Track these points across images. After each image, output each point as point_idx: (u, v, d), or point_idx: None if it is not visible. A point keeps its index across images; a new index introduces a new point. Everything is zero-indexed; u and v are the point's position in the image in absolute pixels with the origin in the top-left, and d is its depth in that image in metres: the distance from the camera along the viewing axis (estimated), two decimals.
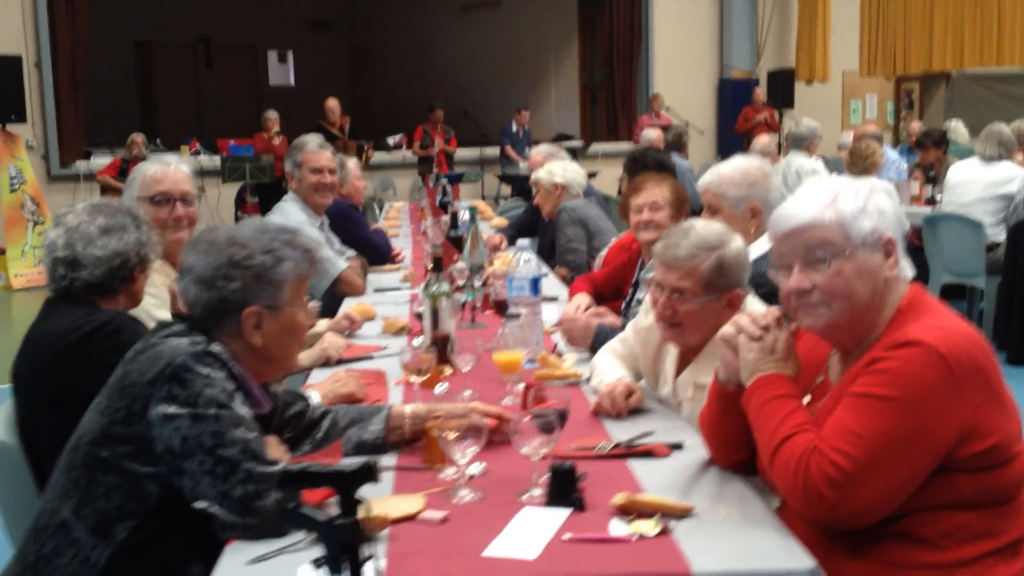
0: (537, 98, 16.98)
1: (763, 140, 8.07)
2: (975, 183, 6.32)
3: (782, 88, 14.97)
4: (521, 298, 2.70)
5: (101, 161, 11.15)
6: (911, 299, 1.82)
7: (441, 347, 2.55)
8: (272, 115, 11.15)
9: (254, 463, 1.65)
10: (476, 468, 1.94)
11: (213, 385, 1.68)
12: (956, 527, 1.71)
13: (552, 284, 4.24)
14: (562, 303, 3.70)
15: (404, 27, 19.33)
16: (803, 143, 7.52)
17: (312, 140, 4.17)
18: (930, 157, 7.66)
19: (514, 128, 13.68)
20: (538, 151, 5.75)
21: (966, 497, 1.71)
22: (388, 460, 2.03)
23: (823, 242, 1.79)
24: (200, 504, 1.62)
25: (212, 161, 11.48)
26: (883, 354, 1.71)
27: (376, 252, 4.63)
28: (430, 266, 3.16)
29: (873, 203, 1.83)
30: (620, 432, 2.19)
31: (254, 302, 1.79)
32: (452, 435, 1.82)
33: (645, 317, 2.50)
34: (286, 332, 1.84)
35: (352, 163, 4.96)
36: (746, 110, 14.25)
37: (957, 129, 9.32)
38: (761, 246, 2.90)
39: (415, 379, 2.31)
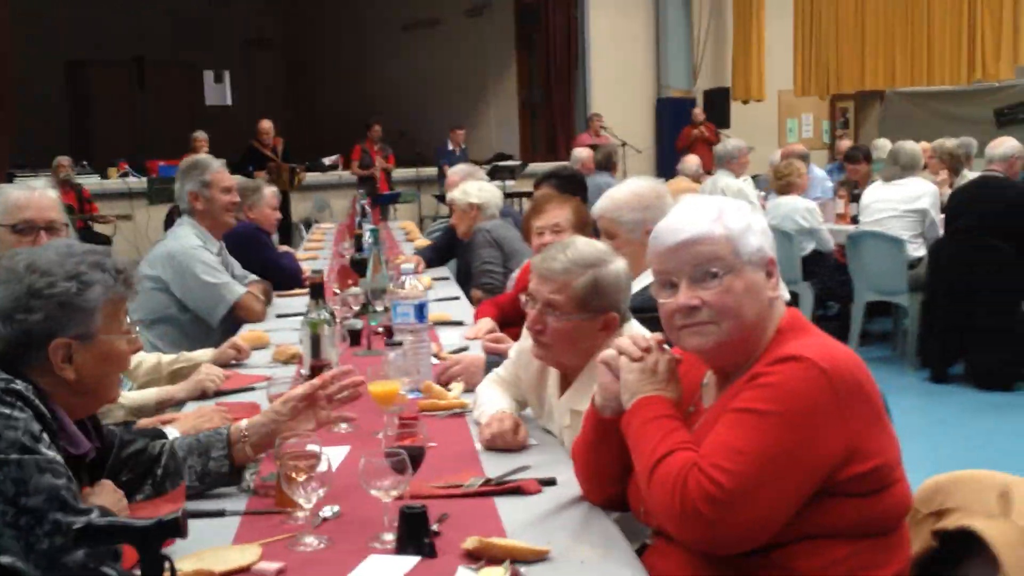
0: (477, 117, 16.93)
1: (691, 160, 8.06)
2: (886, 201, 6.33)
3: (718, 107, 15.06)
4: (406, 325, 2.59)
5: None
6: (790, 320, 1.78)
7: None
8: (201, 135, 10.96)
9: (62, 513, 1.51)
10: (328, 511, 1.82)
11: (15, 427, 1.54)
12: (835, 560, 1.63)
13: (463, 308, 4.14)
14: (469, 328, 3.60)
15: (343, 46, 19.20)
16: (729, 162, 7.53)
17: (215, 160, 4.03)
18: (860, 171, 7.69)
19: (450, 147, 13.59)
20: (454, 171, 5.65)
21: (847, 525, 1.64)
22: (236, 503, 1.91)
23: (713, 257, 1.73)
24: (3, 559, 1.48)
25: (141, 183, 11.26)
26: (764, 369, 1.65)
27: (283, 275, 4.50)
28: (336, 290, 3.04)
29: (757, 222, 1.81)
30: (496, 466, 2.08)
31: (61, 334, 1.65)
32: (301, 477, 1.70)
33: (526, 338, 2.41)
34: (102, 362, 1.71)
35: (269, 191, 4.81)
36: (686, 129, 14.30)
37: (884, 147, 9.37)
38: None
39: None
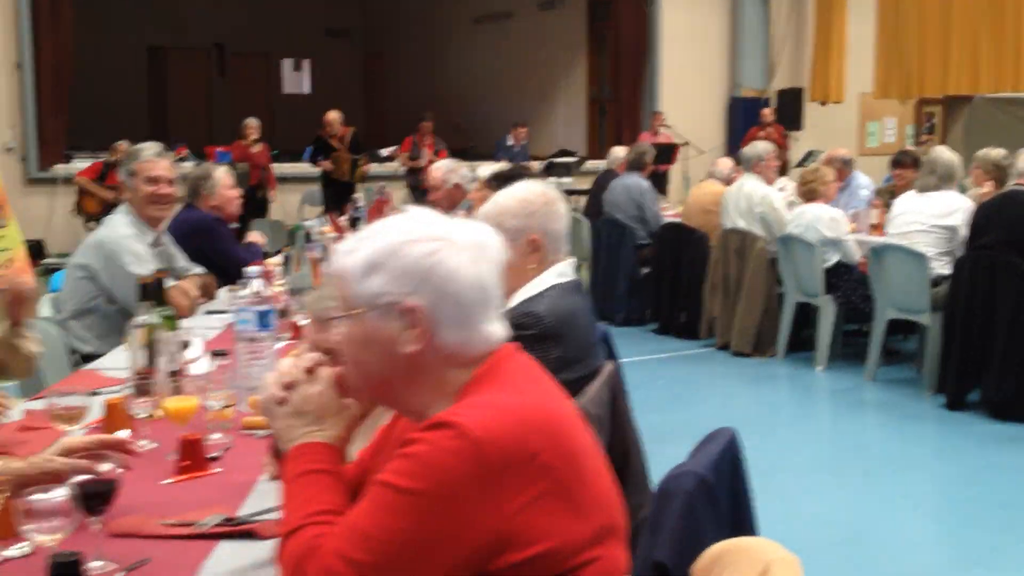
0: (543, 112, 16.73)
1: (723, 162, 7.74)
2: (916, 213, 5.94)
3: (790, 108, 14.58)
4: (246, 332, 2.43)
5: (82, 165, 11.05)
6: (490, 367, 1.48)
7: (142, 389, 2.28)
8: (251, 122, 11.00)
9: None
10: (16, 550, 1.64)
11: None
12: None
13: None
14: None
15: (416, 37, 19.20)
16: (756, 165, 7.18)
17: (149, 148, 3.91)
18: (906, 178, 7.26)
19: (510, 142, 13.41)
20: (437, 167, 5.46)
21: None
22: None
23: (337, 296, 1.50)
24: None
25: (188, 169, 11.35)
26: (415, 435, 1.37)
27: (236, 268, 4.38)
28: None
29: (402, 259, 1.45)
30: (257, 502, 1.90)
31: None
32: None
33: None
34: None
35: (220, 172, 4.70)
36: (752, 130, 13.87)
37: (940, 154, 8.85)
38: (543, 282, 2.61)
39: (64, 427, 2.04)
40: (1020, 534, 3.90)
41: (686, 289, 7.36)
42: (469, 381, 1.46)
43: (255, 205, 10.30)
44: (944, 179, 6.01)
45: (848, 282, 6.35)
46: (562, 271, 2.60)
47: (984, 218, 5.51)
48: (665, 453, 4.76)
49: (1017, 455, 4.82)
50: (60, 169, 11.05)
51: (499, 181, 4.14)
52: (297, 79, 20.34)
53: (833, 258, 6.42)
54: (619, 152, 8.60)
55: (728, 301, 6.99)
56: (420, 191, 12.36)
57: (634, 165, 8.04)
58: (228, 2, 18.65)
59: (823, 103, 15.11)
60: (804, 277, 6.54)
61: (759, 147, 7.39)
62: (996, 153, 7.05)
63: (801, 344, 6.72)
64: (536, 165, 13.44)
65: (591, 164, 13.71)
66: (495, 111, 16.15)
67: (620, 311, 7.89)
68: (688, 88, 14.72)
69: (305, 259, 3.44)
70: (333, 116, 11.23)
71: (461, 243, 1.48)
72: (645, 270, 7.78)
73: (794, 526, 3.87)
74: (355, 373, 1.50)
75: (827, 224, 6.37)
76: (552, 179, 12.17)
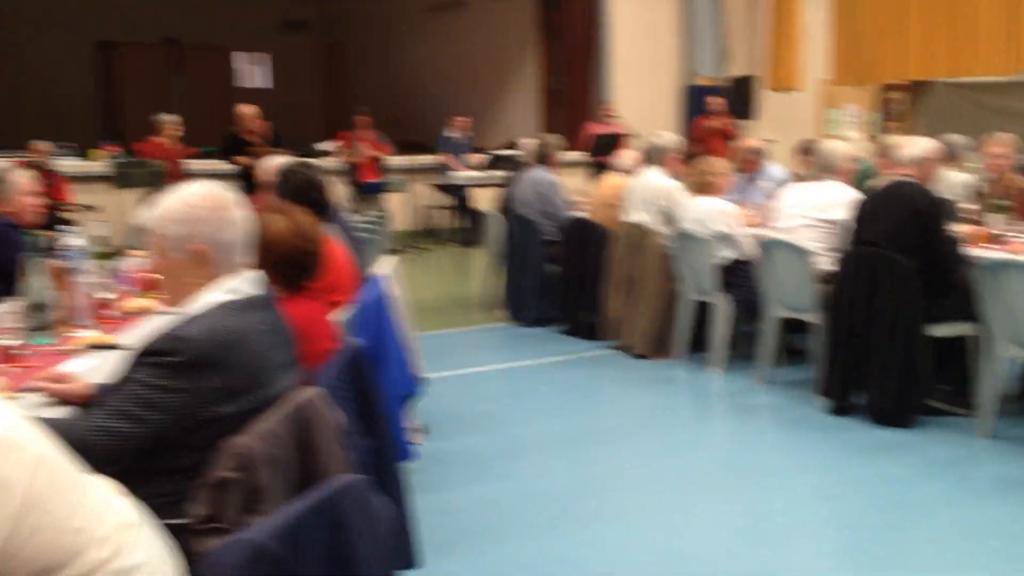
0: (497, 103, 16.44)
1: (625, 154, 7.41)
2: (802, 207, 5.63)
3: (742, 97, 14.25)
4: None
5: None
6: None
7: None
8: (169, 118, 10.68)
9: None
10: None
11: None
12: None
13: None
14: None
15: (374, 27, 18.89)
16: (657, 158, 6.88)
17: None
18: (809, 168, 6.97)
19: (450, 134, 13.09)
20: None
21: None
22: None
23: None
24: None
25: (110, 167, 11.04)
26: None
27: None
28: None
29: None
30: None
31: None
32: None
33: None
34: None
35: (18, 176, 4.39)
36: (699, 119, 13.54)
37: (856, 144, 8.55)
38: (207, 299, 2.27)
39: None
40: (883, 553, 3.60)
41: (590, 288, 7.06)
42: None
43: None
44: (825, 168, 5.71)
45: (744, 279, 6.05)
46: (234, 287, 2.30)
47: (868, 211, 5.20)
48: (521, 464, 4.49)
49: (889, 465, 4.51)
50: None
51: (283, 179, 3.85)
52: (255, 72, 20.02)
53: (727, 254, 6.11)
54: (529, 144, 8.28)
55: (629, 300, 6.69)
56: (360, 186, 12.08)
57: (539, 158, 7.72)
58: None
59: (779, 90, 14.79)
60: (700, 274, 6.24)
61: (665, 138, 7.08)
62: (953, 139, 6.94)
63: (706, 345, 6.41)
64: (480, 158, 13.15)
65: None
66: (449, 102, 15.83)
67: (530, 311, 7.59)
68: (640, 77, 14.42)
69: (44, 269, 3.14)
70: (248, 111, 10.89)
71: None
72: (554, 268, 7.47)
73: (641, 543, 3.59)
74: None
75: (718, 218, 6.06)
76: (499, 172, 11.88)
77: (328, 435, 2.39)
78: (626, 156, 7.36)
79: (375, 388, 3.00)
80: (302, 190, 3.78)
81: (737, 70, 14.87)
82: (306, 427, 2.34)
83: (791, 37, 14.69)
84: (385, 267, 4.85)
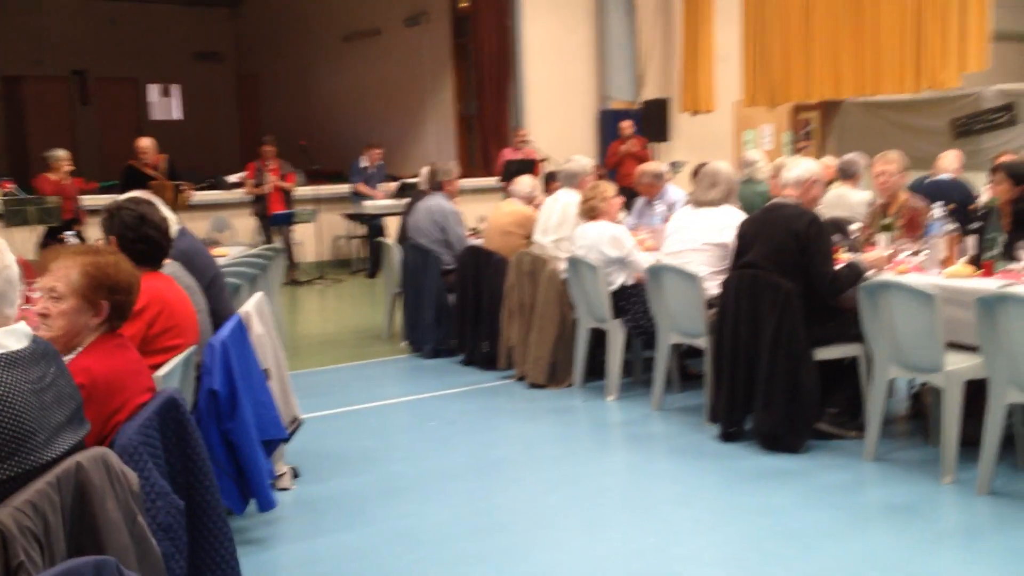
0: (415, 129, 16.30)
1: (522, 181, 7.29)
2: (690, 230, 5.54)
3: (655, 119, 14.27)
4: None
5: None
6: None
7: None
8: (62, 153, 10.35)
9: None
10: None
11: None
12: None
13: None
14: None
15: (289, 57, 18.67)
16: (573, 181, 6.78)
17: None
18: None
19: (363, 164, 12.90)
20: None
21: None
22: None
23: None
24: None
25: None
26: None
27: None
28: None
29: None
30: None
31: None
32: None
33: None
34: None
35: None
36: (613, 144, 13.52)
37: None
38: None
39: None
40: None
41: (488, 316, 6.90)
42: None
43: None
44: (722, 192, 5.62)
45: (637, 305, 5.93)
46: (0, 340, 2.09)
47: (748, 233, 5.11)
48: (395, 506, 4.29)
49: (773, 494, 4.39)
50: None
51: (110, 216, 3.65)
52: (166, 104, 19.65)
53: (619, 280, 6.00)
54: (424, 171, 8.13)
55: (525, 328, 6.54)
56: (266, 218, 11.82)
57: (433, 185, 7.56)
58: (89, 28, 17.96)
59: (694, 113, 14.84)
60: (594, 301, 6.11)
61: (581, 163, 6.97)
62: (852, 158, 7.10)
63: (604, 372, 6.28)
64: (392, 186, 12.96)
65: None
66: (365, 130, 15.66)
67: (428, 342, 7.41)
68: (554, 102, 14.38)
69: None
70: (146, 143, 10.63)
71: None
72: (452, 297, 7.30)
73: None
74: None
75: (609, 242, 5.95)
76: (405, 200, 11.68)
77: (106, 502, 2.18)
78: (523, 182, 7.22)
79: (192, 442, 2.79)
80: (129, 227, 3.56)
81: (651, 93, 14.90)
82: (81, 494, 2.13)
83: (704, 59, 14.76)
84: (251, 304, 4.65)
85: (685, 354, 6.28)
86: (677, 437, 5.30)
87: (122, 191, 10.69)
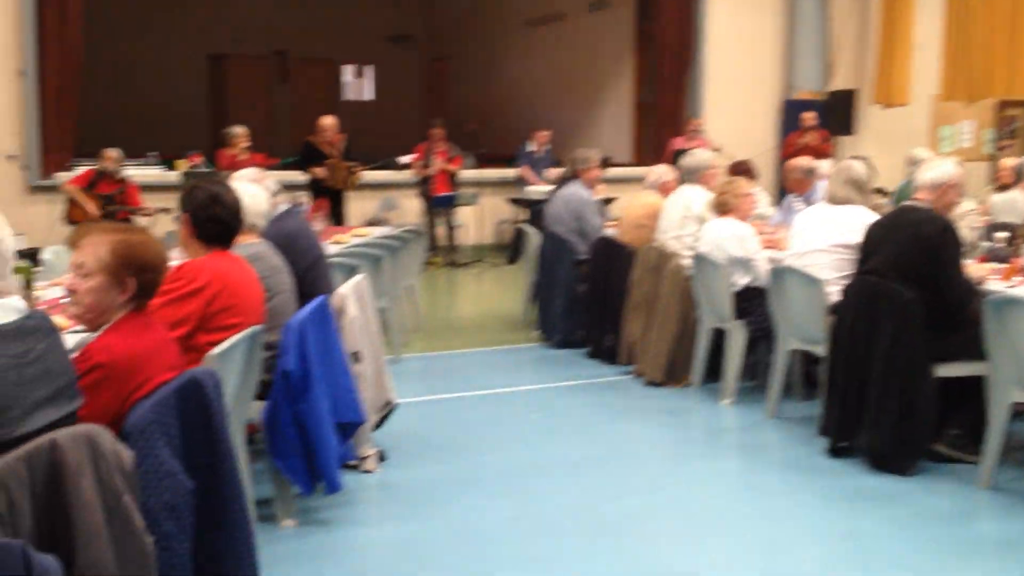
0: (593, 115, 16.19)
1: (656, 171, 7.08)
2: (815, 231, 5.22)
3: (840, 112, 13.61)
4: None
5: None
6: None
7: None
8: (239, 130, 10.81)
9: None
10: None
11: None
12: None
13: None
14: None
15: (476, 41, 18.90)
16: (694, 176, 6.56)
17: None
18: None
19: (529, 148, 12.90)
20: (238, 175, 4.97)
21: None
22: None
23: None
24: None
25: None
26: None
27: None
28: None
29: None
30: None
31: None
32: None
33: None
34: None
35: None
36: (791, 136, 12.99)
37: (919, 162, 7.88)
38: None
39: None
40: None
41: (613, 310, 6.75)
42: None
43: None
44: (857, 191, 5.27)
45: (760, 307, 5.66)
46: None
47: (875, 237, 4.77)
48: (465, 498, 4.24)
49: (865, 517, 4.08)
50: (62, 177, 11.06)
51: (187, 194, 3.73)
52: (359, 85, 20.27)
53: (743, 280, 5.74)
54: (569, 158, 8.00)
55: (647, 324, 6.36)
56: (432, 199, 12.02)
57: (571, 174, 7.46)
58: (290, 9, 18.70)
59: (886, 106, 14.07)
60: (717, 300, 5.87)
61: (699, 157, 6.75)
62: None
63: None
64: (558, 172, 12.90)
65: (632, 171, 13.00)
66: (544, 115, 15.65)
67: (558, 332, 7.32)
68: (735, 90, 13.95)
69: None
70: (328, 122, 10.96)
71: None
72: (583, 287, 7.19)
73: None
74: None
75: (733, 242, 5.69)
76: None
77: (81, 480, 2.21)
78: (656, 173, 7.03)
79: (215, 424, 2.82)
80: (204, 206, 3.65)
81: (840, 84, 14.23)
82: (54, 471, 2.18)
83: (901, 49, 13.96)
84: (348, 286, 4.70)
85: (815, 360, 5.94)
86: (784, 449, 5.03)
87: (300, 167, 11.15)
